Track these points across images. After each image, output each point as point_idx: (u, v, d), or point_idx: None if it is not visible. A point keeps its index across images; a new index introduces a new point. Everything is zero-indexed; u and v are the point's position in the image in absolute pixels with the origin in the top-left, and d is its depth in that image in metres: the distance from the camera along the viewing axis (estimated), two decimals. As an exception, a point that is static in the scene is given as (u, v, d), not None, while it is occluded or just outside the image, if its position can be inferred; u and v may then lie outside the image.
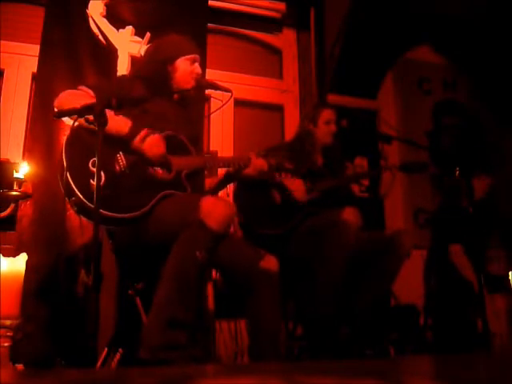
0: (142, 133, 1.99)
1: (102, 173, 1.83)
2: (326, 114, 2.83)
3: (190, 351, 1.77)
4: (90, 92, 2.03)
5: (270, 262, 1.99)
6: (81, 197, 1.83)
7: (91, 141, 1.85)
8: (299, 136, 2.88)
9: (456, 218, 3.11)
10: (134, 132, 1.98)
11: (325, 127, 2.80)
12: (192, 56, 2.26)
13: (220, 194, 2.67)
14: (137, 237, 1.97)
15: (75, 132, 1.94)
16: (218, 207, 1.85)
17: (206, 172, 2.30)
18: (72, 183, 1.84)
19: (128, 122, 2.00)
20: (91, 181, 1.82)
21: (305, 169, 2.67)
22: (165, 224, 1.91)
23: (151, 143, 1.99)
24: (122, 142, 1.98)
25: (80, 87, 2.07)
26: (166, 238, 1.87)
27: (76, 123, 1.86)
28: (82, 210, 1.87)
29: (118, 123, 1.96)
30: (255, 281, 1.95)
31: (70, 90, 2.06)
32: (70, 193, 1.86)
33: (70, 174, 1.84)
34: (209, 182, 2.33)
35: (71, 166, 1.86)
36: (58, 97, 2.03)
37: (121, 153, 1.98)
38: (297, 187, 2.60)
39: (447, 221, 3.15)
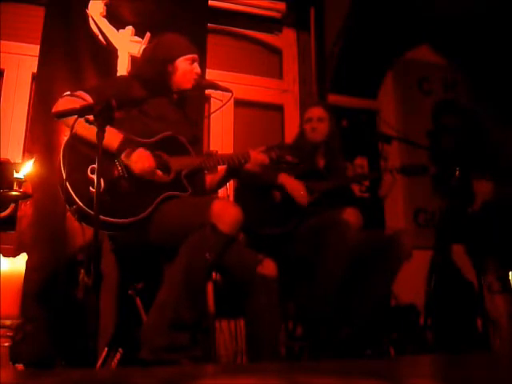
0: (128, 150, 1.94)
1: (101, 179, 1.82)
2: (308, 113, 2.84)
3: (192, 352, 1.78)
4: (88, 97, 2.01)
5: (269, 268, 2.00)
6: (81, 205, 1.83)
7: (88, 149, 1.85)
8: (298, 137, 2.89)
9: (459, 219, 3.10)
10: (121, 149, 1.93)
11: (306, 125, 2.79)
12: (191, 56, 2.25)
13: (220, 194, 2.67)
14: (137, 238, 1.97)
15: (72, 140, 1.93)
16: (228, 210, 1.86)
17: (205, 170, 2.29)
18: (72, 192, 1.84)
19: (119, 135, 1.95)
20: (91, 188, 1.82)
21: (306, 167, 2.66)
22: (169, 225, 1.91)
23: (138, 158, 1.94)
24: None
25: (78, 93, 2.06)
26: (170, 240, 1.87)
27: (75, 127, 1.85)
28: (82, 217, 1.87)
29: (108, 137, 1.87)
30: (253, 286, 1.95)
31: (67, 97, 2.05)
32: (70, 201, 1.86)
33: (69, 183, 1.84)
34: (209, 179, 2.32)
35: (70, 174, 1.86)
36: (56, 103, 2.02)
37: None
38: (298, 190, 2.59)
39: (451, 221, 3.15)
